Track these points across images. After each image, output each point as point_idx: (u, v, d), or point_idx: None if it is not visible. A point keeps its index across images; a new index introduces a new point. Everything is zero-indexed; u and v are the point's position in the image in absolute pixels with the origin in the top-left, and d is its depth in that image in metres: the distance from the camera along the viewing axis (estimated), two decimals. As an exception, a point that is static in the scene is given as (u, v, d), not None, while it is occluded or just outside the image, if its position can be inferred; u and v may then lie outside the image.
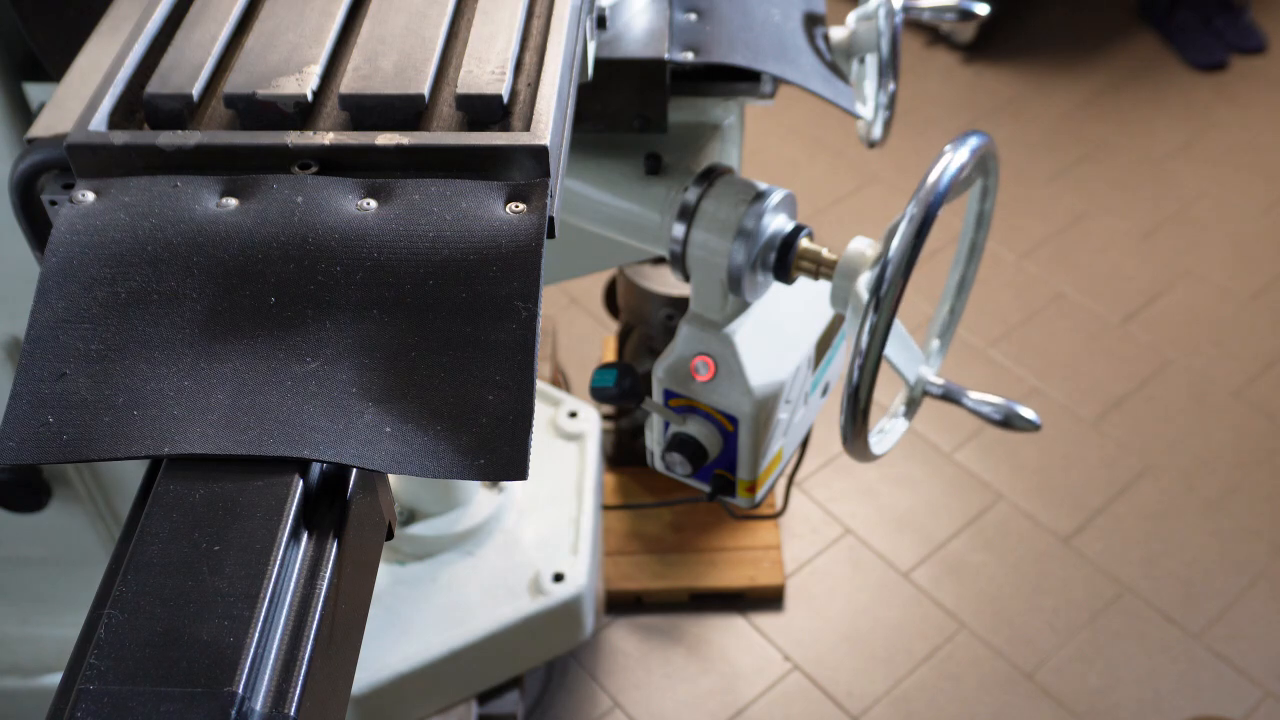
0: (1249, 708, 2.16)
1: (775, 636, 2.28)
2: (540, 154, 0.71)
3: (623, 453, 2.44)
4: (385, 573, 1.78)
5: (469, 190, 0.70)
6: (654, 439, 1.22)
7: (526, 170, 0.72)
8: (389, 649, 1.70)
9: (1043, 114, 3.42)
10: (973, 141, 0.99)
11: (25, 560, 1.64)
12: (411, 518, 1.82)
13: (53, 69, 1.07)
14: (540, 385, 2.06)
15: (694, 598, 2.31)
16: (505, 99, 0.75)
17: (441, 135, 0.73)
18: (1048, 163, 3.26)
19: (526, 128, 0.73)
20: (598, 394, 1.20)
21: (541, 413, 2.00)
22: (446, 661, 1.72)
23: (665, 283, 2.16)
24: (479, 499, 1.84)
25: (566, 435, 1.98)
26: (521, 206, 0.70)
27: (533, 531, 1.86)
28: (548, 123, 0.73)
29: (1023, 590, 2.34)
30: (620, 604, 2.30)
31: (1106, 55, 3.62)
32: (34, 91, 1.21)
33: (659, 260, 1.53)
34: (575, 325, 2.83)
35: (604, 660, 2.25)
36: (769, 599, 2.32)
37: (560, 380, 2.35)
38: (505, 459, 0.63)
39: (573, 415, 2.00)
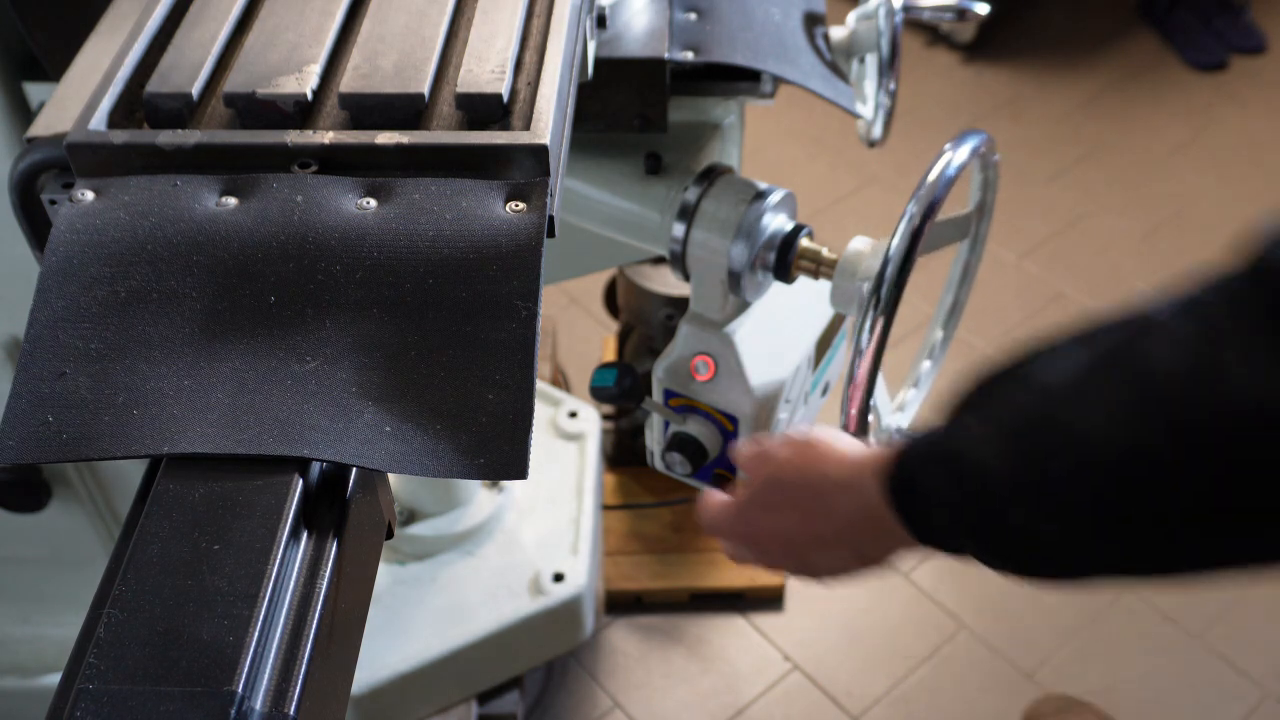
0: (1249, 708, 2.16)
1: (775, 636, 2.28)
2: (540, 153, 0.71)
3: (623, 453, 2.43)
4: (385, 573, 1.78)
5: (469, 189, 0.70)
6: (654, 439, 1.22)
7: (526, 169, 0.72)
8: (389, 649, 1.70)
9: (1043, 114, 3.42)
10: (972, 141, 0.99)
11: (25, 560, 1.64)
12: (411, 518, 1.81)
13: (53, 69, 1.07)
14: (540, 385, 2.06)
15: (694, 598, 2.30)
16: (505, 98, 0.75)
17: (441, 134, 0.73)
18: (1048, 163, 3.26)
19: (526, 127, 0.73)
20: (598, 394, 1.20)
21: (541, 413, 2.00)
22: (446, 661, 1.72)
23: (665, 283, 2.16)
24: (479, 499, 1.84)
25: (566, 435, 1.98)
26: (521, 205, 0.70)
27: (533, 531, 1.85)
28: (548, 122, 0.73)
29: (1023, 590, 2.34)
30: (620, 604, 2.30)
31: (1106, 55, 3.62)
32: (34, 91, 1.21)
33: (659, 260, 1.53)
34: (575, 325, 2.83)
35: (604, 660, 2.25)
36: (769, 599, 2.32)
37: (560, 380, 2.34)
38: (505, 458, 0.63)
39: (573, 415, 2.00)
